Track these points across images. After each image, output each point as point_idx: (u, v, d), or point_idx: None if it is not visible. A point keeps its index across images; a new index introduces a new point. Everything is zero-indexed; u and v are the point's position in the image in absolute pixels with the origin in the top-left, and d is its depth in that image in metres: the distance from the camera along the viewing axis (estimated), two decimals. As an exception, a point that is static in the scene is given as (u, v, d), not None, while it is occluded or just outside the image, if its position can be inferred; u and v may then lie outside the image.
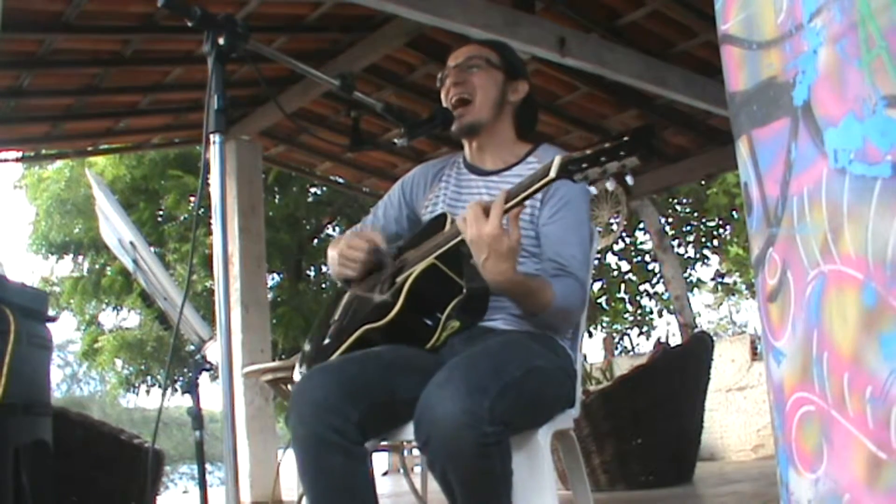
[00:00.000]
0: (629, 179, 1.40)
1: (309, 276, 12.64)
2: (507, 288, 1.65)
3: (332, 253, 1.96)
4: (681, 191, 11.66)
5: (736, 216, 11.58)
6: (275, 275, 12.17)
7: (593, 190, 1.45)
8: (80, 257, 12.66)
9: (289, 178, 10.70)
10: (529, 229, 1.82)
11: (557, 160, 1.46)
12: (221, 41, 1.47)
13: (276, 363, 3.96)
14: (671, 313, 11.80)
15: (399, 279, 1.79)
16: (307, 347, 2.03)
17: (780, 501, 1.08)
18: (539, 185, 1.50)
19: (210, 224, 7.42)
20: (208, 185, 3.20)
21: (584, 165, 1.41)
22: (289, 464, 2.22)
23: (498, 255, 1.55)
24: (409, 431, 1.55)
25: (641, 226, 11.38)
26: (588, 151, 1.42)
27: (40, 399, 2.42)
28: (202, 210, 6.40)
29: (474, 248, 1.58)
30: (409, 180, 2.08)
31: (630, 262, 12.72)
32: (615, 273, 12.74)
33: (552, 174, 1.47)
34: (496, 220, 1.54)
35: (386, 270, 1.88)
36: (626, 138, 1.38)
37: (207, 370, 1.76)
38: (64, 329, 21.59)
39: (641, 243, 12.65)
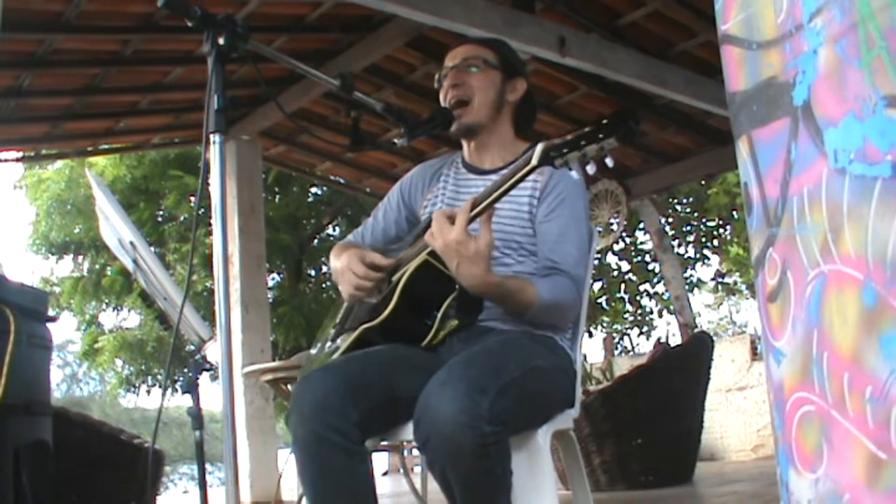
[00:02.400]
0: (609, 161, 1.42)
1: (309, 276, 12.65)
2: (483, 291, 1.66)
3: (335, 265, 1.94)
4: (681, 191, 11.66)
5: (736, 216, 11.58)
6: (275, 275, 12.18)
7: (574, 175, 1.47)
8: (80, 257, 12.68)
9: (289, 178, 10.71)
10: (528, 227, 1.81)
11: (539, 147, 1.48)
12: (221, 41, 1.47)
13: (276, 363, 3.97)
14: (671, 313, 11.81)
15: (395, 278, 1.79)
16: (312, 352, 2.04)
17: (780, 501, 1.08)
18: (522, 173, 1.51)
19: (210, 224, 7.42)
20: (208, 185, 3.20)
21: (565, 150, 1.44)
22: (289, 464, 2.22)
23: (467, 260, 1.57)
24: (408, 431, 1.55)
25: (641, 226, 11.38)
26: (569, 137, 1.44)
27: (40, 399, 2.42)
28: (202, 210, 6.40)
29: (445, 256, 1.60)
30: (407, 182, 2.08)
31: (630, 262, 12.73)
32: (615, 273, 12.75)
33: (534, 161, 1.48)
34: (461, 227, 1.56)
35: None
36: (604, 121, 1.41)
37: (207, 370, 1.76)
38: (64, 329, 21.60)
39: (641, 243, 12.66)
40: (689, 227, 12.69)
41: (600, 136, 1.40)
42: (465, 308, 1.76)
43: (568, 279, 1.76)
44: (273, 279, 12.17)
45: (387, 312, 1.73)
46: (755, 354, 6.94)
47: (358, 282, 1.83)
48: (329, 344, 1.94)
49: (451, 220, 1.58)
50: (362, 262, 1.83)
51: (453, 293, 1.73)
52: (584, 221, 1.84)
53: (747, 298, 16.24)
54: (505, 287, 1.67)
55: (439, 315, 1.74)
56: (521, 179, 1.53)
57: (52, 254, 12.64)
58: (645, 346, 12.86)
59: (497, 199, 1.56)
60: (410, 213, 2.05)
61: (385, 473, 8.97)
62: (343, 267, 1.87)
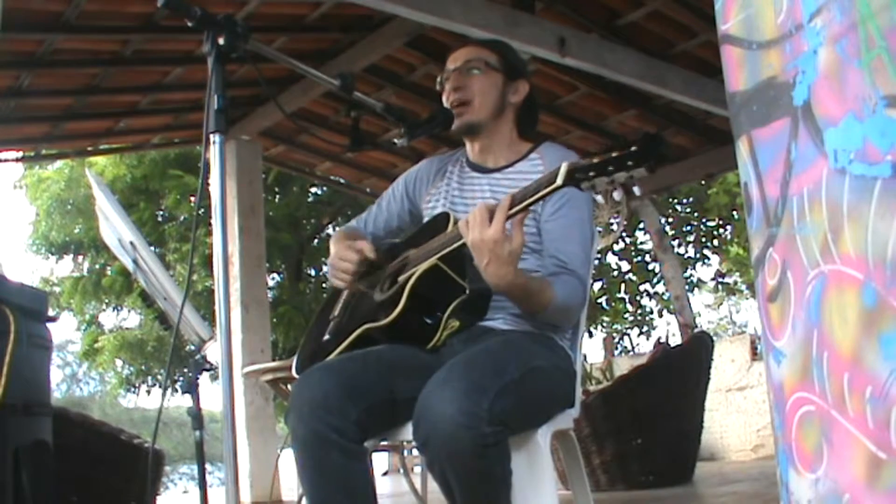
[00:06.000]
0: (636, 190, 1.39)
1: (309, 275, 12.64)
2: (507, 291, 1.65)
3: (332, 251, 1.98)
4: (681, 191, 11.66)
5: (736, 216, 11.58)
6: (275, 275, 12.18)
7: (599, 199, 1.43)
8: (80, 257, 12.68)
9: (289, 178, 10.69)
10: (532, 226, 1.81)
11: (564, 167, 1.45)
12: (221, 41, 1.47)
13: (276, 363, 3.96)
14: (671, 313, 11.79)
15: (401, 278, 1.78)
16: (304, 343, 2.03)
17: (780, 501, 1.08)
18: (545, 191, 1.49)
19: (210, 224, 7.42)
20: (208, 185, 3.20)
21: (592, 174, 1.40)
22: (289, 463, 2.22)
23: (499, 259, 1.55)
24: (408, 431, 1.55)
25: (641, 226, 11.37)
26: (595, 160, 1.40)
27: (40, 399, 2.42)
28: (202, 210, 6.40)
29: (475, 251, 1.58)
30: (412, 175, 2.08)
31: (630, 262, 12.72)
32: (615, 273, 12.73)
33: (559, 181, 1.46)
34: (499, 225, 1.53)
35: (386, 268, 1.88)
36: (634, 148, 1.35)
37: (207, 370, 1.76)
38: (64, 329, 21.61)
39: (641, 243, 12.65)
40: (689, 227, 12.68)
41: (630, 163, 1.35)
42: (470, 312, 1.76)
43: (576, 279, 1.76)
44: (273, 279, 12.17)
45: (395, 315, 1.72)
46: (755, 354, 6.94)
47: (344, 265, 1.88)
48: (326, 338, 1.94)
49: (491, 216, 1.56)
50: (352, 249, 1.88)
51: (460, 297, 1.73)
52: (588, 222, 1.85)
53: (747, 298, 16.23)
54: (528, 288, 1.67)
55: (444, 318, 1.74)
56: (545, 196, 1.51)
57: (52, 254, 12.63)
58: (645, 346, 12.86)
59: (531, 205, 1.54)
60: (413, 207, 2.06)
61: (385, 473, 8.96)
62: (333, 256, 1.92)
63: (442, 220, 1.82)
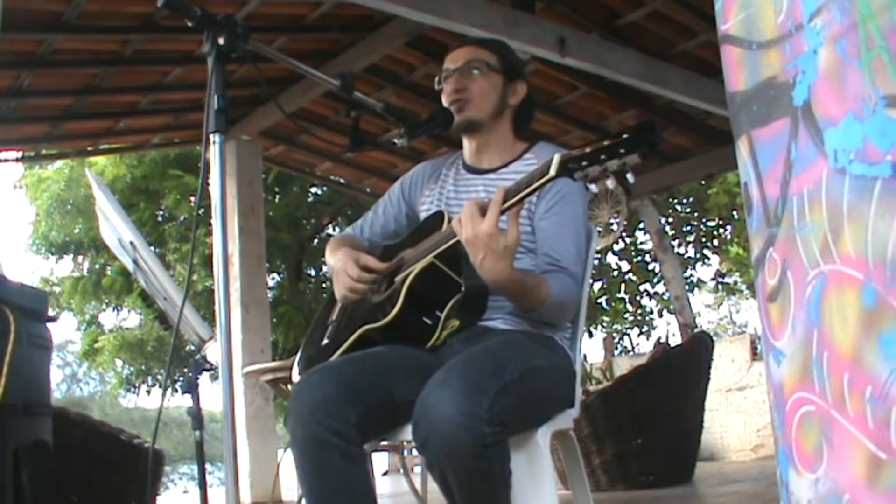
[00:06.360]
0: (630, 177, 1.38)
1: (309, 275, 12.64)
2: (504, 286, 1.65)
3: (330, 261, 1.97)
4: (681, 191, 11.66)
5: (736, 216, 11.58)
6: (275, 275, 12.19)
7: (594, 188, 1.43)
8: (80, 257, 12.68)
9: (289, 178, 10.70)
10: (526, 225, 1.81)
11: (557, 158, 1.45)
12: (221, 41, 1.47)
13: (276, 363, 3.96)
14: (671, 313, 11.80)
15: (398, 279, 1.78)
16: (304, 347, 2.03)
17: (780, 501, 1.08)
18: (539, 183, 1.49)
19: (210, 224, 7.42)
20: (208, 185, 3.20)
21: (585, 164, 1.40)
22: (289, 464, 2.22)
23: (494, 254, 1.54)
24: (408, 432, 1.55)
25: (641, 226, 11.38)
26: (588, 149, 1.40)
27: (40, 399, 2.42)
28: (202, 210, 6.40)
29: (470, 248, 1.57)
30: (408, 179, 2.09)
31: (630, 262, 12.72)
32: (615, 273, 12.74)
33: (552, 172, 1.46)
34: (492, 220, 1.53)
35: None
36: (626, 136, 1.36)
37: (207, 370, 1.76)
38: (64, 329, 21.63)
39: (641, 243, 12.65)
40: (689, 227, 12.68)
41: (622, 150, 1.35)
42: (469, 310, 1.75)
43: (569, 276, 1.76)
44: (273, 279, 12.18)
45: (392, 315, 1.72)
46: (755, 354, 6.94)
47: (352, 284, 1.84)
48: (325, 341, 1.94)
49: (482, 211, 1.55)
50: (357, 265, 1.85)
51: (457, 295, 1.72)
52: (582, 220, 1.84)
53: (747, 298, 16.23)
54: (524, 284, 1.67)
55: (442, 317, 1.73)
56: (538, 189, 1.51)
57: (52, 254, 12.64)
58: (645, 346, 12.86)
59: (524, 198, 1.53)
60: (410, 210, 2.06)
61: (385, 473, 8.96)
62: (338, 268, 1.89)
63: (436, 220, 1.82)
